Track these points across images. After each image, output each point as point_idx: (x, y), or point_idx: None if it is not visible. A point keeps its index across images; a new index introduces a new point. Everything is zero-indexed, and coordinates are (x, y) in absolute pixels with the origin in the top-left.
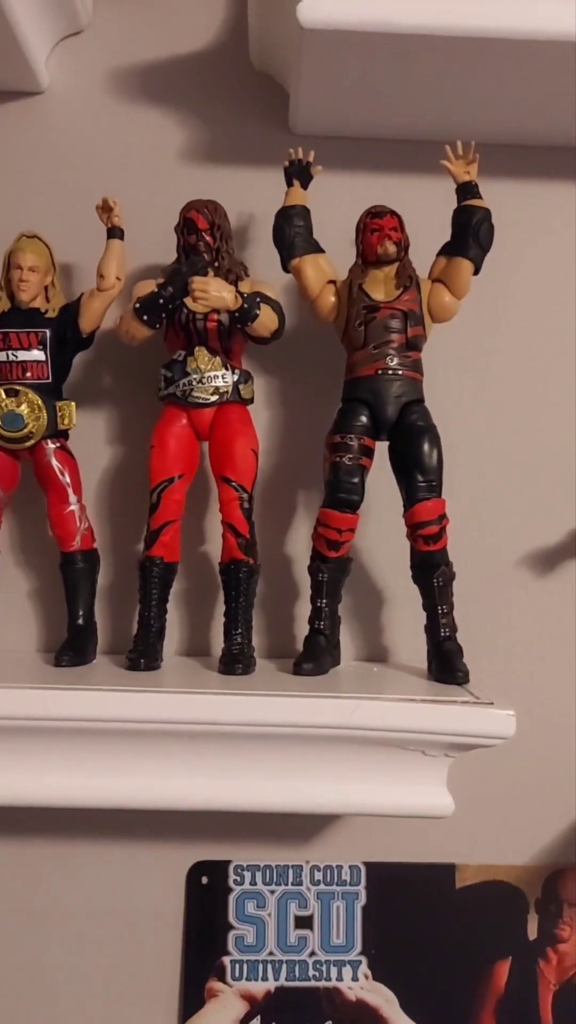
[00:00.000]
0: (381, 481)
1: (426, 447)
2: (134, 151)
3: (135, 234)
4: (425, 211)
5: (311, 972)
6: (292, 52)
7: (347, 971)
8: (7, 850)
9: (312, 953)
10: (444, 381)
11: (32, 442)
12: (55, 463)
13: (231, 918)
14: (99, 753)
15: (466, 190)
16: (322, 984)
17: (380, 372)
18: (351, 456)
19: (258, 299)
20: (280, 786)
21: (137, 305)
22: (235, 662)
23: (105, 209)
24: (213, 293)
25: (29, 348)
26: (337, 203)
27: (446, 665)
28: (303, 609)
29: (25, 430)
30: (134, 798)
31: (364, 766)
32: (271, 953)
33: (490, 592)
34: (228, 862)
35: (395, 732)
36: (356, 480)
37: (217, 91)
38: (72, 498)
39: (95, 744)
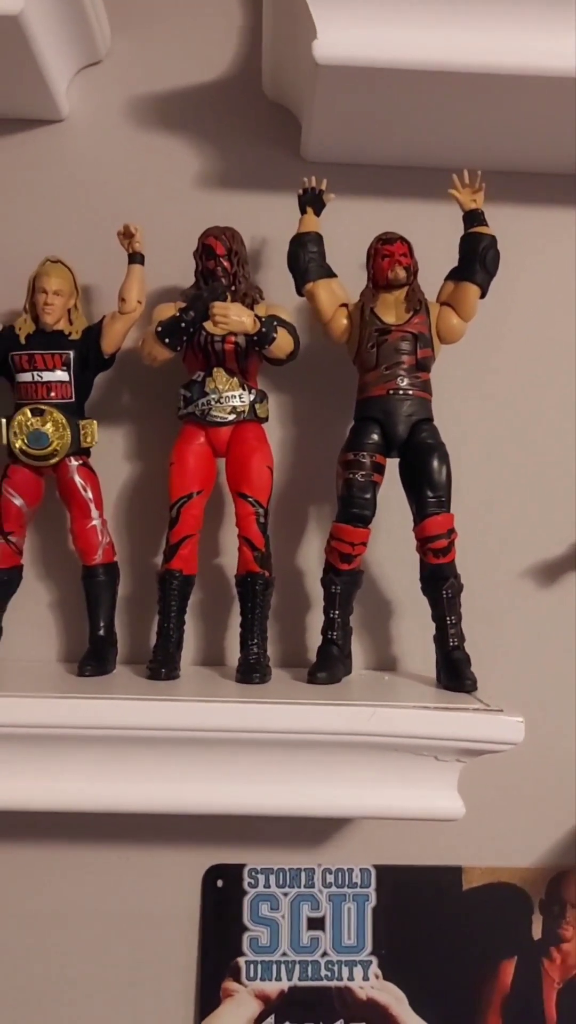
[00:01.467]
0: (391, 497)
1: (435, 464)
2: (151, 177)
3: (152, 258)
4: (432, 236)
5: (323, 972)
6: (305, 85)
7: (358, 971)
8: (28, 853)
9: (324, 953)
10: (453, 401)
11: (56, 459)
12: (78, 479)
13: (246, 920)
14: (121, 760)
15: (473, 218)
16: (334, 984)
17: (391, 392)
18: (364, 473)
19: (275, 323)
20: (296, 791)
21: (159, 329)
22: (252, 671)
23: (127, 235)
24: (233, 318)
25: (53, 369)
26: (348, 228)
27: (455, 673)
28: (316, 620)
29: (49, 448)
30: (153, 803)
31: (378, 771)
32: (284, 954)
33: (497, 603)
34: (243, 865)
35: (409, 738)
36: (368, 496)
37: (231, 120)
38: (94, 513)
39: (117, 751)
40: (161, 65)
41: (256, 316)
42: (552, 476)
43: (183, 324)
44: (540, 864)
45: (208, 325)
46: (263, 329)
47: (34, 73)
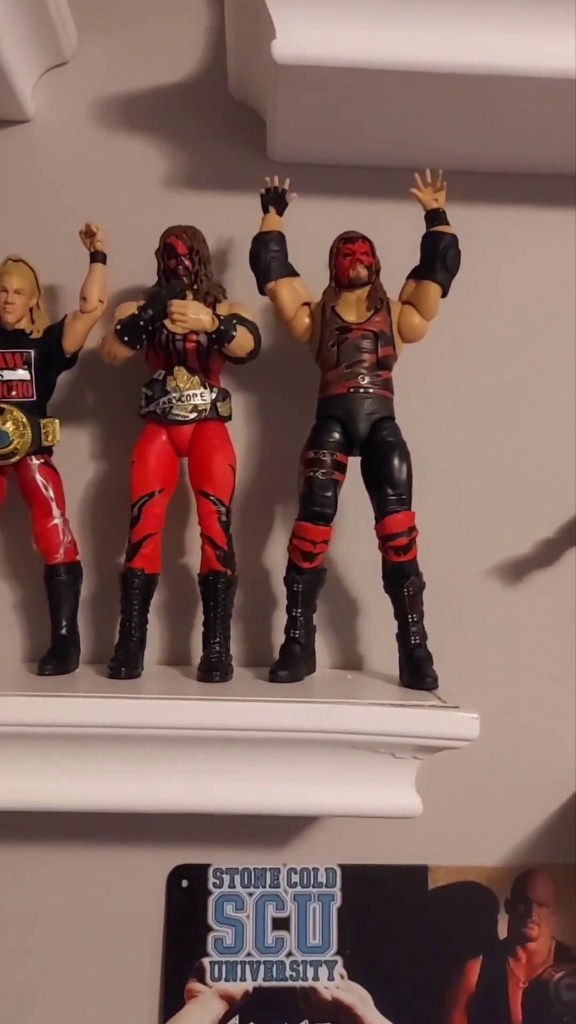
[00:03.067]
0: (353, 495)
1: (396, 462)
2: (117, 178)
3: (117, 258)
4: (395, 236)
5: (288, 972)
6: (268, 85)
7: (323, 971)
8: None
9: (289, 954)
10: (415, 399)
11: (17, 458)
12: (39, 478)
13: (210, 920)
14: (80, 758)
15: (434, 217)
16: (299, 984)
17: (352, 391)
18: (325, 471)
19: (234, 321)
20: (256, 789)
21: (118, 327)
22: (213, 670)
23: (88, 234)
24: (191, 315)
25: (14, 368)
26: (312, 228)
27: (416, 671)
28: (280, 619)
29: (10, 446)
30: (115, 802)
31: (337, 769)
32: (249, 954)
33: (459, 601)
34: (208, 865)
35: (366, 735)
36: (330, 494)
37: (197, 120)
38: (56, 512)
39: (76, 749)
40: (128, 66)
41: (215, 315)
42: (517, 474)
43: (142, 322)
44: (506, 863)
45: (168, 323)
46: (222, 327)
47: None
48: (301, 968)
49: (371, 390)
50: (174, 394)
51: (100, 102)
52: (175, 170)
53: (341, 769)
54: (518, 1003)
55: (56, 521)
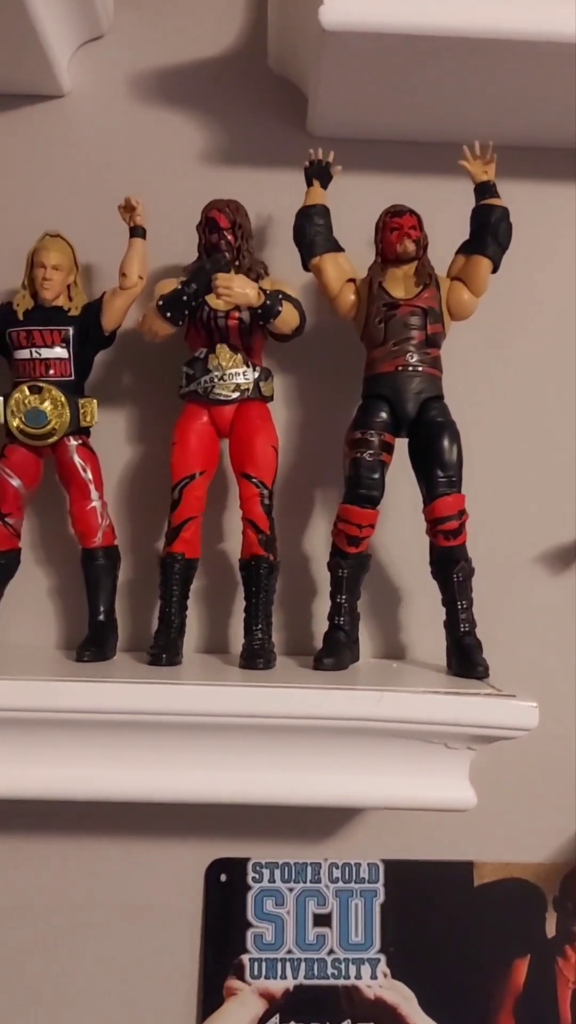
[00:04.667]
0: (399, 477)
1: (446, 443)
2: (154, 153)
3: (155, 234)
4: (442, 212)
5: (330, 970)
6: (311, 54)
7: (366, 969)
8: (25, 844)
9: (331, 951)
10: (463, 378)
11: (55, 439)
12: (77, 460)
13: (250, 916)
14: (118, 747)
15: (484, 189)
16: (341, 982)
17: (400, 369)
18: (371, 452)
19: (280, 296)
20: (302, 780)
21: (160, 302)
22: (256, 657)
23: (127, 208)
24: (237, 290)
25: (52, 345)
26: (354, 205)
27: (466, 660)
28: (322, 606)
29: (48, 427)
30: (153, 792)
31: (386, 759)
32: (290, 951)
33: (509, 588)
34: (247, 859)
35: (418, 724)
36: (376, 476)
37: (236, 94)
38: (94, 494)
39: (115, 737)
40: (164, 39)
41: (260, 289)
42: (567, 457)
43: (185, 297)
44: (554, 859)
45: (211, 299)
46: (268, 302)
47: (35, 48)
48: (343, 966)
49: (420, 368)
50: (216, 373)
51: (137, 76)
52: (213, 145)
53: (390, 760)
54: (567, 1003)
55: (94, 504)
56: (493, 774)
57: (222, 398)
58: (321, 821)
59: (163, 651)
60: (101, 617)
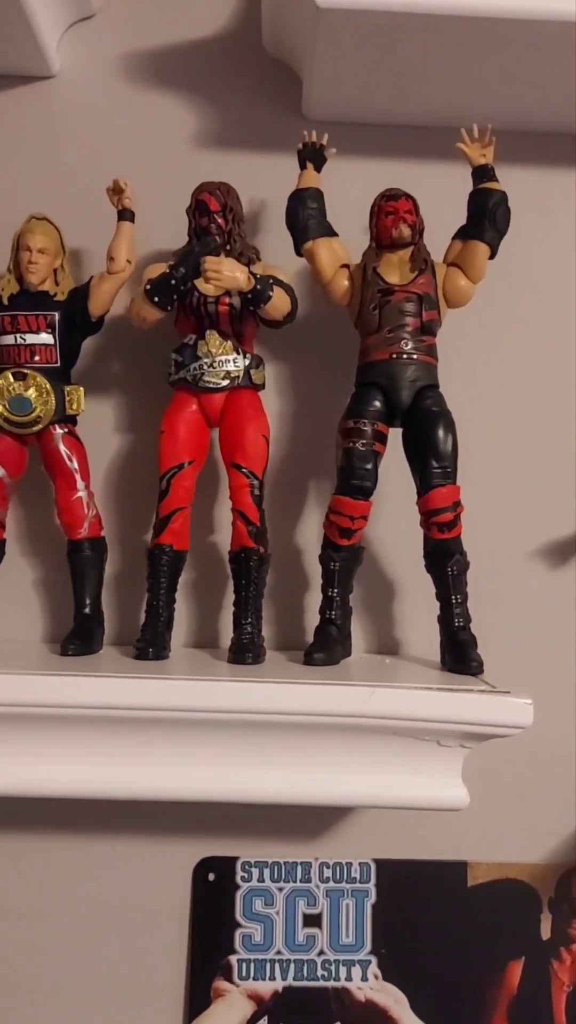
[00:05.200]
0: (393, 468)
1: (441, 433)
2: (145, 136)
3: (145, 219)
4: (439, 197)
5: (320, 972)
6: (306, 35)
7: (356, 971)
8: (7, 842)
9: (321, 952)
10: (459, 366)
11: (40, 427)
12: (63, 448)
13: (238, 916)
14: (105, 743)
15: (482, 173)
16: (331, 984)
17: (394, 356)
18: (364, 441)
19: (271, 281)
20: (291, 778)
21: (148, 286)
22: (245, 651)
23: (116, 191)
24: (226, 273)
25: (37, 331)
26: (349, 190)
27: (460, 655)
28: (314, 600)
29: (33, 414)
30: (140, 789)
31: (377, 757)
32: (279, 952)
33: (505, 582)
34: (235, 858)
35: (410, 721)
36: (369, 466)
37: (229, 76)
38: (80, 484)
39: (101, 733)
40: (156, 19)
41: (251, 273)
42: (566, 448)
43: (173, 281)
44: (549, 860)
45: (200, 283)
46: (258, 287)
47: (23, 27)
48: (333, 967)
49: (415, 356)
50: (205, 360)
51: (128, 57)
52: (205, 128)
53: (381, 757)
54: (562, 1007)
55: (80, 494)
56: (488, 772)
57: (212, 386)
58: (312, 820)
59: (150, 645)
60: (87, 610)
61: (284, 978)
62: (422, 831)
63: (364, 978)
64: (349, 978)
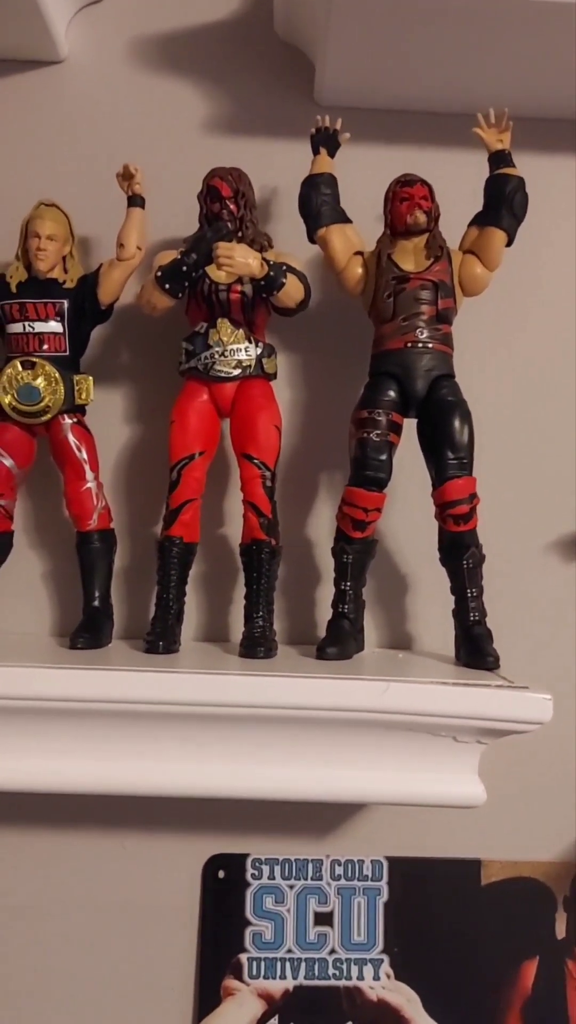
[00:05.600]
0: (408, 459)
1: (457, 423)
2: (155, 122)
3: (156, 206)
4: (454, 184)
5: (331, 970)
6: (318, 19)
7: (368, 970)
8: (15, 839)
9: (332, 951)
10: (475, 356)
11: (48, 416)
12: (72, 439)
13: (248, 914)
14: (114, 738)
15: (499, 159)
16: (342, 983)
17: (409, 345)
18: (379, 432)
19: (284, 268)
20: (302, 774)
21: (159, 273)
22: (256, 645)
23: (126, 176)
24: (239, 259)
25: (46, 319)
26: (362, 176)
27: (476, 650)
28: (326, 594)
29: (41, 403)
30: (150, 784)
31: (391, 753)
32: (290, 950)
33: (522, 575)
34: (246, 855)
35: (426, 716)
36: (384, 457)
37: (240, 61)
38: (89, 475)
39: (110, 728)
40: (166, 3)
41: (264, 259)
42: None
43: (185, 267)
44: (565, 858)
45: (211, 271)
46: (271, 273)
47: (32, 12)
48: (345, 966)
49: (430, 345)
50: (216, 348)
51: (137, 41)
52: (216, 114)
53: (396, 753)
54: None
55: (89, 485)
56: (503, 769)
57: (223, 375)
58: (323, 816)
59: (160, 638)
60: (96, 603)
61: (295, 977)
62: (435, 829)
63: (376, 977)
64: (361, 977)
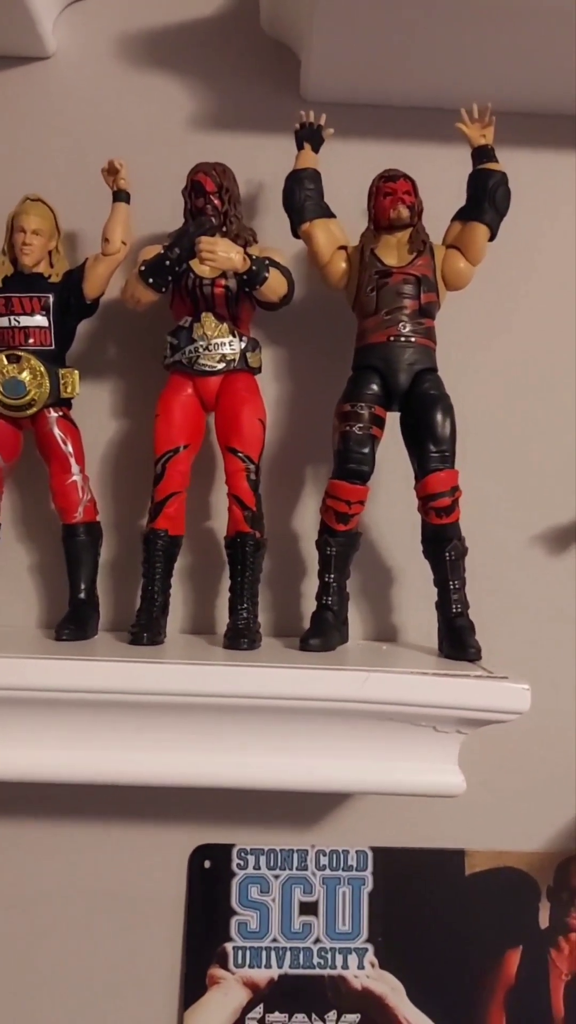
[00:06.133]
0: (391, 452)
1: (439, 416)
2: (141, 117)
3: (141, 201)
4: (438, 179)
5: (316, 959)
6: (304, 15)
7: (353, 959)
8: (1, 829)
9: (317, 940)
10: (457, 350)
11: (34, 410)
12: (57, 432)
13: (234, 903)
14: (99, 728)
15: (482, 154)
16: (327, 972)
17: (392, 339)
18: (361, 425)
19: (267, 262)
20: (286, 763)
21: (143, 267)
22: (240, 636)
23: (111, 172)
24: (221, 254)
25: (32, 313)
26: (347, 172)
27: (458, 641)
28: (310, 587)
29: (27, 397)
30: (135, 774)
31: (373, 743)
32: (275, 940)
33: (504, 568)
34: (231, 846)
35: (406, 706)
36: (367, 450)
37: (226, 57)
38: (75, 468)
39: (95, 718)
40: None
41: (246, 254)
42: (565, 434)
43: (168, 262)
44: (548, 848)
45: (195, 265)
46: (254, 267)
47: (19, 7)
48: (329, 955)
49: (412, 339)
50: (201, 343)
51: (124, 37)
52: (202, 110)
53: (377, 743)
54: (560, 996)
55: (75, 478)
56: (486, 760)
57: (207, 369)
58: (308, 806)
59: (145, 630)
60: (82, 595)
61: (280, 966)
62: (420, 819)
63: (361, 966)
64: (346, 966)
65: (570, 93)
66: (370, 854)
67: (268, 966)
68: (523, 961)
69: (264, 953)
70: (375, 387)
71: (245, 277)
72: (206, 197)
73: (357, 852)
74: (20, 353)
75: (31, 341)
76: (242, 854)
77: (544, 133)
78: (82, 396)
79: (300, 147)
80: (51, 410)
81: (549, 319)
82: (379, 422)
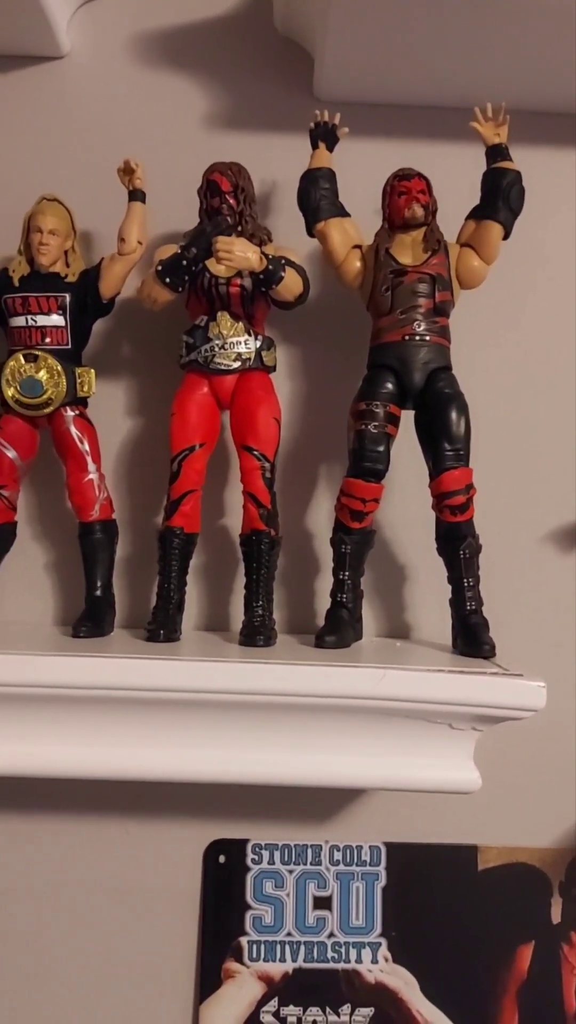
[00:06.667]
0: (405, 451)
1: (454, 415)
2: (155, 117)
3: (156, 200)
4: (452, 178)
5: (330, 953)
6: (318, 14)
7: (366, 953)
8: (18, 824)
9: (331, 934)
10: (472, 348)
11: (51, 409)
12: (74, 431)
13: (249, 898)
14: (115, 724)
15: (496, 152)
16: (341, 966)
17: (407, 338)
18: (376, 424)
19: (283, 261)
20: (301, 760)
21: (160, 267)
22: (256, 634)
23: (127, 171)
24: (238, 253)
25: (48, 313)
26: (361, 171)
27: (472, 638)
28: (325, 584)
29: (44, 396)
30: (151, 770)
31: (389, 739)
32: (289, 934)
33: (518, 565)
34: (246, 841)
35: (422, 703)
36: (382, 448)
37: (240, 56)
38: (91, 467)
39: (112, 714)
40: None
41: (263, 253)
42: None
43: (185, 261)
44: (560, 844)
45: (211, 264)
46: (270, 267)
47: (34, 7)
48: (343, 950)
49: (427, 338)
50: (216, 342)
51: (138, 37)
52: (216, 109)
53: (393, 740)
54: (572, 991)
55: (91, 476)
56: (499, 756)
57: (223, 368)
58: (322, 802)
59: (161, 627)
60: (98, 592)
61: (294, 960)
62: (432, 815)
63: (374, 960)
64: (359, 960)
65: None
66: (383, 849)
67: (283, 960)
68: (535, 956)
69: (279, 947)
70: (390, 386)
71: (262, 276)
72: (222, 196)
73: (371, 847)
74: (37, 352)
75: (48, 340)
76: (257, 849)
77: (557, 131)
78: (98, 395)
79: (315, 146)
80: (68, 409)
81: (562, 317)
82: (394, 420)
